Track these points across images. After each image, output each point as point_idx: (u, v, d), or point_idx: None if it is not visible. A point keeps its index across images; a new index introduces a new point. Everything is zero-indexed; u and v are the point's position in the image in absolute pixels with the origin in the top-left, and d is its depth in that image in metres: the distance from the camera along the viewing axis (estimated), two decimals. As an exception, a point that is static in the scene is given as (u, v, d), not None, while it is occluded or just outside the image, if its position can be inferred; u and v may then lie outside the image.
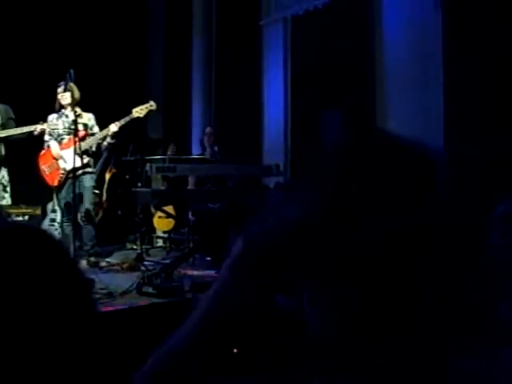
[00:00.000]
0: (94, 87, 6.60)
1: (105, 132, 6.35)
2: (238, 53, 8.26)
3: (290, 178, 6.93)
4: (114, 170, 7.95)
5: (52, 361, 0.57)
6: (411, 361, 0.68)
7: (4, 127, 5.68)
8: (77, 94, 6.31)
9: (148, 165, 5.81)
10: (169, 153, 8.01)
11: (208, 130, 7.71)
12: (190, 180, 7.26)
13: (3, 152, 5.77)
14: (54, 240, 0.66)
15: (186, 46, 9.00)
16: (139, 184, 7.37)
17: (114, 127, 6.29)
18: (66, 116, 6.12)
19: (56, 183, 6.35)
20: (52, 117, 6.36)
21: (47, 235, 0.66)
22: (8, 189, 5.73)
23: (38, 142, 6.19)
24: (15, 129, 5.67)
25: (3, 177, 5.70)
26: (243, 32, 8.24)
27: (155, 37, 9.91)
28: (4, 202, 5.73)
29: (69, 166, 5.99)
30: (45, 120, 5.84)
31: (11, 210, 7.51)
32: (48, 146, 6.41)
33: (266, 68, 8.08)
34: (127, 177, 8.00)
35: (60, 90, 6.21)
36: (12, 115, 5.84)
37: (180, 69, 9.17)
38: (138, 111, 6.40)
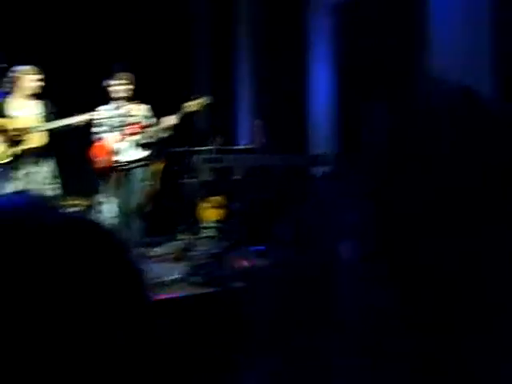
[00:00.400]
0: (141, 80, 6.67)
1: (163, 124, 6.41)
2: (283, 44, 8.23)
3: (337, 168, 6.88)
4: (164, 161, 8.05)
5: (108, 352, 0.58)
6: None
7: (46, 121, 5.80)
8: (133, 86, 6.43)
9: (195, 156, 5.85)
10: (216, 144, 8.06)
11: (256, 122, 7.71)
12: (238, 171, 7.29)
13: (48, 145, 5.86)
14: (106, 230, 0.67)
15: (231, 39, 9.02)
16: (186, 175, 7.44)
17: (172, 120, 6.33)
18: (121, 108, 6.16)
19: (109, 175, 6.44)
20: (105, 108, 6.44)
21: (100, 226, 0.66)
22: (58, 180, 5.86)
23: (85, 133, 6.26)
24: (57, 121, 5.77)
25: (52, 168, 5.83)
26: (288, 22, 8.20)
27: (200, 29, 9.96)
28: (52, 192, 5.86)
29: (124, 158, 6.05)
30: (88, 111, 5.91)
31: (63, 202, 7.70)
32: (102, 138, 6.52)
33: (312, 57, 8.02)
34: (175, 168, 8.08)
35: (113, 82, 6.29)
36: (52, 108, 5.95)
37: (227, 60, 9.20)
38: (192, 105, 6.44)
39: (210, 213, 7.91)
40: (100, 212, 8.13)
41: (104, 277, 0.60)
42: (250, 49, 8.88)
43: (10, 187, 5.52)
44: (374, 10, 6.87)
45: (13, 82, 5.74)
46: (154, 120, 6.56)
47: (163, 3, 9.05)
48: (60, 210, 0.64)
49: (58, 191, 5.93)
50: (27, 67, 5.79)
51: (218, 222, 7.96)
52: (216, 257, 5.50)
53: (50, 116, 5.84)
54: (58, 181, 5.87)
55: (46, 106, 5.90)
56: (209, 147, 7.76)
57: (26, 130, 5.60)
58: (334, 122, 7.87)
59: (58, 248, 0.57)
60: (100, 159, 6.55)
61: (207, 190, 6.32)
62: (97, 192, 8.09)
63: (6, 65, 4.86)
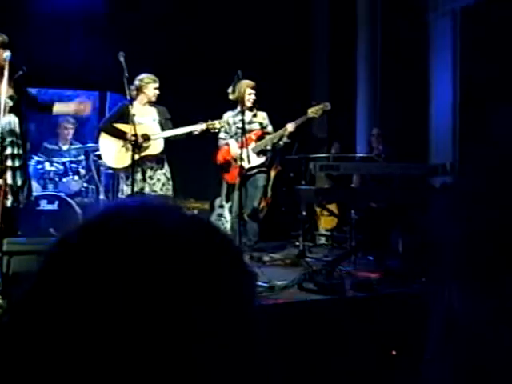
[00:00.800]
0: (260, 87, 6.78)
1: (281, 131, 6.51)
2: (404, 50, 8.07)
3: (458, 179, 6.65)
4: (279, 168, 8.13)
5: (219, 352, 0.60)
6: None
7: (162, 128, 6.00)
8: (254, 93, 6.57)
9: (312, 163, 5.87)
10: (333, 151, 8.05)
11: (375, 130, 7.62)
12: (355, 179, 7.24)
13: (164, 150, 6.04)
14: (224, 233, 0.69)
15: (350, 45, 8.96)
16: (303, 182, 7.49)
17: (291, 127, 6.43)
18: (243, 114, 6.34)
19: (233, 180, 6.60)
20: (228, 115, 6.63)
21: (218, 228, 0.68)
22: (171, 182, 6.06)
23: (204, 138, 6.41)
24: (176, 129, 5.94)
25: (167, 170, 6.04)
26: (409, 28, 8.03)
27: (320, 35, 9.98)
28: (168, 194, 6.08)
29: (246, 165, 6.17)
30: (203, 120, 6.05)
31: (181, 204, 7.96)
32: (226, 144, 6.71)
33: (433, 65, 7.80)
34: (291, 174, 8.15)
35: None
36: (168, 115, 6.12)
37: (345, 67, 9.15)
38: (314, 111, 6.48)
39: (325, 220, 7.91)
40: (218, 215, 8.36)
41: (219, 278, 0.62)
42: (369, 56, 8.78)
43: (129, 191, 5.81)
44: (500, 14, 6.59)
45: (137, 89, 6.01)
46: (270, 127, 6.67)
47: (282, 8, 9.16)
48: (178, 209, 0.68)
49: (171, 194, 6.14)
50: (151, 76, 6.04)
51: (332, 229, 7.94)
52: (330, 264, 5.49)
53: (167, 123, 6.06)
54: (171, 184, 6.06)
55: (163, 112, 6.12)
56: (326, 154, 7.76)
57: (146, 136, 5.84)
58: (456, 131, 7.62)
59: (178, 247, 0.60)
60: (222, 164, 6.75)
61: (323, 198, 6.31)
62: (216, 196, 8.33)
63: (25, 71, 4.99)
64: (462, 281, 0.71)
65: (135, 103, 5.93)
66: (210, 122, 5.92)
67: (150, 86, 6.02)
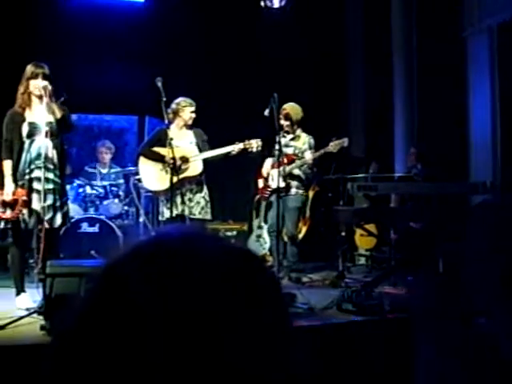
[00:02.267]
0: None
1: (303, 161, 6.63)
2: (441, 68, 8.02)
3: (499, 197, 6.54)
4: (317, 188, 8.13)
5: (257, 376, 0.61)
6: None
7: (200, 150, 6.07)
8: (295, 117, 6.65)
9: (349, 183, 5.87)
10: (371, 171, 8.02)
11: (413, 150, 7.57)
12: (393, 198, 7.19)
13: (203, 172, 6.12)
14: (259, 261, 0.70)
15: (387, 63, 8.94)
16: (341, 202, 7.47)
17: (309, 158, 6.57)
18: (283, 136, 6.37)
19: (266, 201, 6.67)
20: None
21: (254, 256, 0.70)
22: (209, 205, 6.12)
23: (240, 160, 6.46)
24: (214, 150, 6.01)
25: (206, 193, 6.09)
26: (445, 45, 7.98)
27: (356, 54, 10.00)
28: (207, 217, 6.14)
29: (274, 185, 6.24)
30: (240, 140, 6.12)
31: (220, 226, 8.01)
32: (261, 165, 6.83)
33: (471, 82, 7.72)
34: (330, 195, 8.14)
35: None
36: (205, 137, 6.19)
37: (382, 86, 9.13)
38: (333, 146, 6.52)
39: (364, 240, 7.86)
40: (257, 236, 8.38)
41: (254, 306, 0.64)
42: (406, 74, 8.74)
43: (169, 213, 5.89)
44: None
45: (174, 113, 6.10)
46: (308, 153, 6.70)
47: (317, 27, 9.21)
48: (217, 239, 0.70)
49: (210, 217, 6.21)
50: (187, 99, 6.13)
51: (372, 249, 7.88)
52: (369, 285, 5.44)
53: (204, 144, 6.13)
54: (210, 207, 6.12)
55: (200, 135, 6.20)
56: (365, 175, 7.73)
57: (184, 159, 5.92)
58: (496, 148, 7.51)
59: (218, 278, 0.62)
60: (260, 181, 6.82)
61: (361, 218, 6.28)
62: (253, 217, 8.36)
63: (66, 97, 5.09)
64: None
65: (172, 127, 6.02)
66: (247, 142, 5.97)
67: (186, 110, 6.11)
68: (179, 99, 6.11)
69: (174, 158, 5.67)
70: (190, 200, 5.99)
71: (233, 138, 6.09)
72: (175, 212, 5.89)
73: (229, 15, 8.67)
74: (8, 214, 4.79)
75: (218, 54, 8.57)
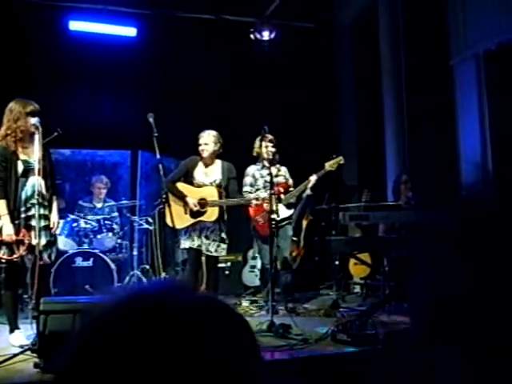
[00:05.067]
0: (288, 140, 6.92)
1: (305, 184, 6.62)
2: (429, 96, 8.12)
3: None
4: (310, 218, 8.17)
5: None
6: None
7: (225, 188, 6.19)
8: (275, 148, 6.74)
9: (341, 213, 5.91)
10: (363, 199, 8.06)
11: (404, 177, 7.64)
12: (380, 227, 7.22)
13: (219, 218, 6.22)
14: (234, 315, 0.74)
15: (376, 93, 9.05)
16: (333, 231, 7.51)
17: (313, 179, 6.56)
18: (268, 168, 6.42)
19: (265, 233, 6.68)
20: (252, 169, 6.76)
21: (228, 310, 0.74)
22: (227, 242, 6.21)
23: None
24: (231, 200, 6.15)
25: (223, 231, 6.17)
26: (433, 74, 8.09)
27: (346, 83, 10.12)
28: (222, 254, 6.24)
29: (275, 217, 6.25)
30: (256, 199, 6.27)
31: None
32: (256, 199, 6.82)
33: (460, 109, 7.81)
34: (323, 224, 8.18)
35: (257, 144, 6.59)
36: (233, 174, 6.27)
37: (372, 115, 9.24)
38: (331, 165, 6.59)
39: (358, 269, 7.87)
40: (251, 267, 8.40)
41: (228, 359, 0.68)
42: (395, 103, 8.84)
43: (186, 245, 6.07)
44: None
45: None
46: (291, 181, 6.79)
47: (307, 63, 9.35)
48: (193, 293, 0.74)
49: (225, 253, 6.30)
50: (203, 132, 6.22)
51: (366, 278, 7.90)
52: (363, 315, 5.45)
53: (231, 183, 6.19)
54: (227, 244, 6.19)
55: (228, 171, 6.26)
56: (357, 204, 7.78)
57: (204, 202, 6.06)
58: (486, 175, 7.55)
59: (187, 331, 0.67)
60: (258, 218, 6.82)
61: (353, 247, 6.30)
62: (249, 248, 8.39)
63: (60, 132, 5.10)
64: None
65: (200, 162, 6.21)
66: (261, 198, 6.17)
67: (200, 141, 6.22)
68: (207, 132, 6.24)
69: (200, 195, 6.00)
70: (207, 237, 6.09)
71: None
72: (192, 245, 6.06)
73: (221, 48, 8.80)
74: (5, 253, 4.81)
75: (210, 87, 8.66)
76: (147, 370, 0.63)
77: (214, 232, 6.07)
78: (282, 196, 6.60)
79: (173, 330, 0.66)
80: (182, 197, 6.07)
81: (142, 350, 0.64)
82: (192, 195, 6.04)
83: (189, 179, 6.17)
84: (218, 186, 6.13)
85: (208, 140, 6.16)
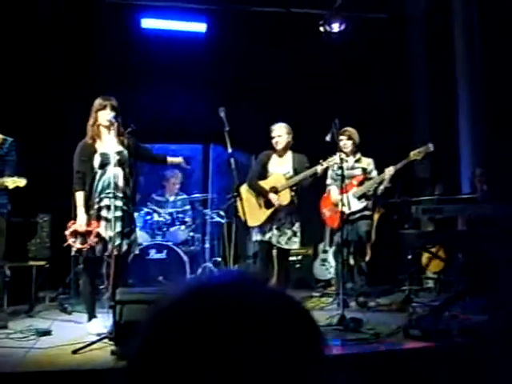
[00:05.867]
0: (362, 134, 6.85)
1: (382, 176, 6.54)
2: (507, 85, 7.84)
3: None
4: (382, 211, 8.06)
5: None
6: None
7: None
8: (356, 140, 6.67)
9: (414, 207, 5.80)
10: (436, 192, 7.90)
11: (478, 171, 7.42)
12: (460, 220, 7.05)
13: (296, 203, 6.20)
14: (302, 310, 0.75)
15: (450, 83, 8.81)
16: (406, 225, 7.38)
17: (391, 170, 6.44)
18: (346, 161, 6.38)
19: (335, 225, 6.63)
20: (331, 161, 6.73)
21: (297, 304, 0.75)
22: (299, 235, 6.17)
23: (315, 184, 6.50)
24: (298, 176, 6.04)
25: (295, 225, 6.14)
26: (508, 67, 7.80)
27: (419, 75, 9.91)
28: (294, 246, 6.21)
29: (347, 210, 6.20)
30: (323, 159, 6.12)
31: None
32: (329, 191, 6.81)
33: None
34: (395, 217, 8.04)
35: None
36: (306, 164, 6.18)
37: (445, 107, 9.01)
38: (416, 154, 6.46)
39: (432, 263, 7.71)
40: (322, 260, 8.37)
41: (295, 355, 0.69)
42: (471, 93, 8.59)
43: (258, 237, 6.10)
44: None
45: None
46: (375, 173, 6.68)
47: (380, 59, 9.21)
48: (263, 286, 0.75)
49: (297, 246, 6.27)
50: (274, 125, 6.25)
51: (439, 273, 7.72)
52: (436, 310, 5.35)
53: (303, 171, 6.14)
54: (299, 238, 6.16)
55: (300, 162, 6.23)
56: (430, 197, 7.61)
57: (274, 189, 6.08)
58: None
59: (258, 325, 0.68)
60: (326, 210, 6.81)
61: (426, 241, 6.17)
62: (320, 241, 8.36)
63: (134, 127, 5.20)
64: None
65: (274, 155, 6.26)
66: (329, 159, 5.96)
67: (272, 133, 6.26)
68: (278, 124, 6.27)
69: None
70: (278, 229, 6.08)
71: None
72: (263, 238, 6.08)
73: (290, 41, 8.79)
74: (78, 243, 4.98)
75: (280, 81, 8.67)
76: (213, 361, 0.64)
77: (286, 224, 6.06)
78: (355, 189, 6.55)
79: (239, 322, 0.67)
80: (264, 193, 6.09)
81: (210, 341, 0.65)
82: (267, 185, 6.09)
83: (264, 174, 6.20)
84: (290, 178, 6.12)
85: (281, 132, 6.19)
